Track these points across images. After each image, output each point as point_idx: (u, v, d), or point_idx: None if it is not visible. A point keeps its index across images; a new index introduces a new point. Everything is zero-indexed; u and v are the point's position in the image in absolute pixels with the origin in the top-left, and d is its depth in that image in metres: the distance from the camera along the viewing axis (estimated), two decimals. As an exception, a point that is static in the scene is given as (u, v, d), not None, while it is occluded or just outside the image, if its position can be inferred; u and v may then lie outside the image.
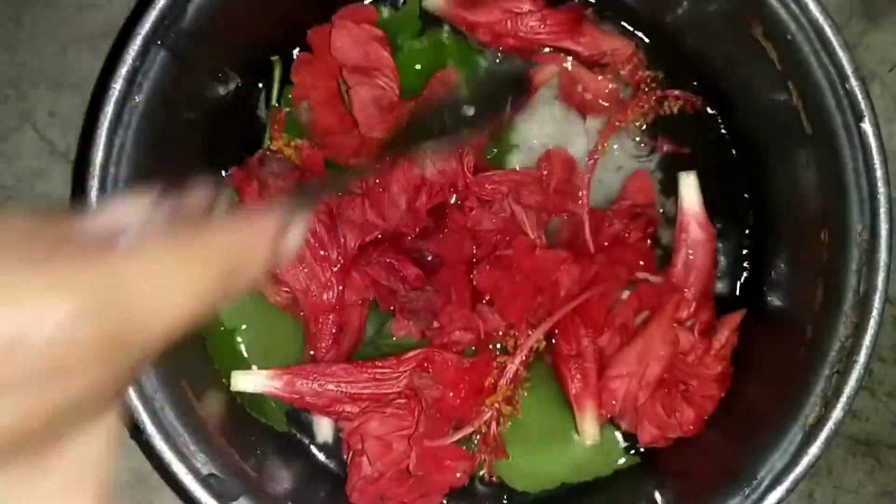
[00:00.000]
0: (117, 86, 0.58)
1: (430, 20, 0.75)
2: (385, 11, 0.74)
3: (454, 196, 0.70)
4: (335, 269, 0.69)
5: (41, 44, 0.82)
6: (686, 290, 0.71)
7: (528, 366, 0.70)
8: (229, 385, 0.67)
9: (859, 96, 0.60)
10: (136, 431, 0.58)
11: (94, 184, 0.58)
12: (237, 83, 0.72)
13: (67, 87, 0.81)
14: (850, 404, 0.58)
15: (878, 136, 0.59)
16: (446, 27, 0.75)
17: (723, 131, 0.77)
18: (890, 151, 0.59)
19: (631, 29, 0.76)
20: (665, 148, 0.76)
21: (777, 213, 0.71)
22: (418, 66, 0.72)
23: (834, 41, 0.60)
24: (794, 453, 0.59)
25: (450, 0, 0.73)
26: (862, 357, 0.58)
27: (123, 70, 0.58)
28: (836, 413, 0.58)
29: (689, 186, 0.72)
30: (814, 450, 0.58)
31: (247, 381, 0.67)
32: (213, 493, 0.58)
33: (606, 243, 0.72)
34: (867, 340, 0.58)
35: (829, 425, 0.58)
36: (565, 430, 0.71)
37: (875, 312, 0.58)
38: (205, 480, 0.58)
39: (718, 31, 0.70)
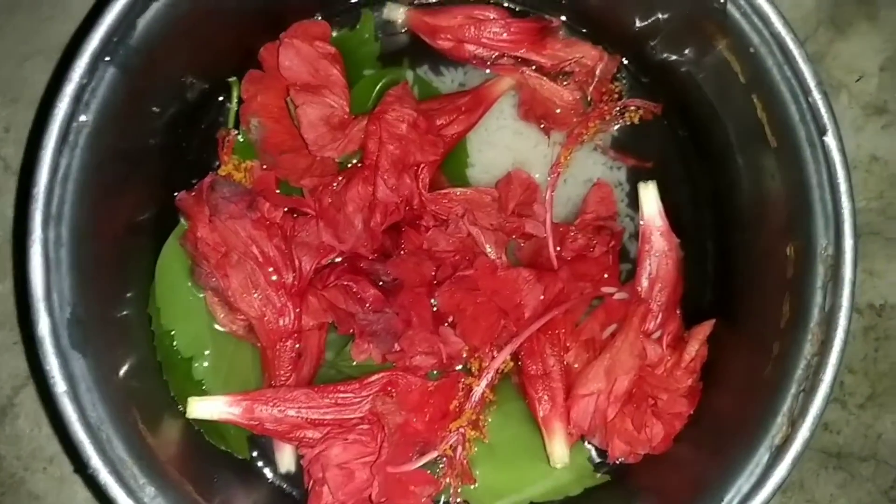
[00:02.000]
0: (63, 104, 0.56)
1: (388, 48, 0.74)
2: (339, 31, 0.74)
3: (409, 214, 0.69)
4: (291, 294, 0.67)
5: (-2, 58, 0.79)
6: (652, 301, 0.70)
7: (494, 387, 0.69)
8: (185, 412, 0.64)
9: (822, 110, 0.59)
10: (81, 466, 0.55)
11: (37, 206, 0.56)
12: (193, 103, 0.71)
13: (24, 103, 0.79)
14: (816, 424, 0.57)
15: (842, 151, 0.59)
16: (409, 72, 0.74)
17: (689, 144, 0.76)
18: (859, 161, 0.59)
19: (598, 44, 0.75)
20: (630, 161, 0.75)
21: (744, 227, 0.71)
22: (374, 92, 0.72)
23: (796, 54, 0.60)
24: (760, 475, 0.58)
25: (412, 11, 0.72)
26: (828, 375, 0.57)
27: (70, 88, 0.56)
28: (803, 433, 0.57)
29: (648, 196, 0.71)
30: (781, 471, 0.57)
31: (204, 408, 0.65)
32: (163, 528, 0.55)
33: (570, 258, 0.71)
34: (833, 358, 0.57)
35: (796, 446, 0.57)
36: (534, 450, 0.70)
37: (840, 330, 0.57)
38: (154, 517, 0.55)
39: (684, 45, 0.69)
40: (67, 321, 0.56)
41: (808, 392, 0.58)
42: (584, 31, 0.75)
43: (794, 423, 0.58)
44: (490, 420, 0.70)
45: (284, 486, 0.72)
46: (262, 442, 0.71)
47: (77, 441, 0.55)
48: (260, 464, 0.72)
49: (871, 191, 0.82)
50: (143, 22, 0.58)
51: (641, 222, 0.72)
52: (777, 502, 0.79)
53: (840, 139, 0.59)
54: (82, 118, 0.57)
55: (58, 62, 0.76)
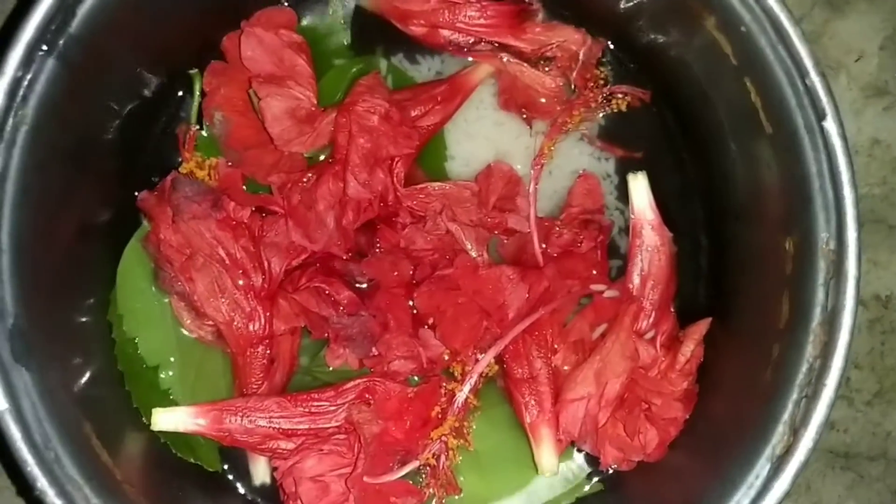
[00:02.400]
0: (-3, 98, 0.53)
1: (360, 37, 0.71)
2: (308, 18, 0.70)
3: (384, 211, 0.66)
4: (260, 297, 0.64)
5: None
6: (644, 299, 0.67)
7: (478, 392, 0.66)
8: (150, 425, 0.62)
9: (821, 93, 0.55)
10: (25, 488, 0.52)
11: (-30, 213, 0.52)
12: (151, 97, 0.67)
13: None
14: (820, 432, 0.53)
15: (843, 136, 0.55)
16: (382, 60, 0.71)
17: (679, 131, 0.73)
18: (859, 146, 0.56)
19: (581, 28, 0.72)
20: (618, 152, 0.72)
21: (739, 219, 0.67)
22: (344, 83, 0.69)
23: (792, 33, 0.56)
24: (760, 488, 0.54)
25: (384, -2, 0.69)
26: (832, 380, 0.53)
27: (3, 81, 0.53)
28: (806, 442, 0.54)
29: (638, 188, 0.68)
30: (783, 483, 0.54)
31: (169, 419, 0.62)
32: (116, 556, 0.52)
33: (556, 255, 0.68)
34: (837, 361, 0.54)
35: (799, 456, 0.54)
36: (521, 457, 0.67)
37: (845, 330, 0.54)
38: (106, 543, 0.52)
39: (670, 25, 0.66)
40: (9, 333, 0.53)
41: (811, 398, 0.54)
42: (565, 13, 0.72)
43: (796, 432, 0.54)
44: (474, 427, 0.67)
45: (258, 500, 0.68)
46: (233, 453, 0.68)
47: (21, 461, 0.52)
48: (231, 477, 0.68)
49: (873, 176, 0.79)
50: (83, 8, 0.54)
51: (632, 216, 0.69)
52: None
53: (841, 124, 0.55)
54: (20, 113, 0.53)
55: None
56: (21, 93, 0.53)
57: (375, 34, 0.72)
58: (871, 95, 0.79)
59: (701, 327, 0.66)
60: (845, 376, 0.69)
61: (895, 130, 0.79)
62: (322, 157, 0.68)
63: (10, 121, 0.53)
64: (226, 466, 0.68)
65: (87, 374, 0.60)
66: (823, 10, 0.80)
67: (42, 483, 0.52)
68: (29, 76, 0.53)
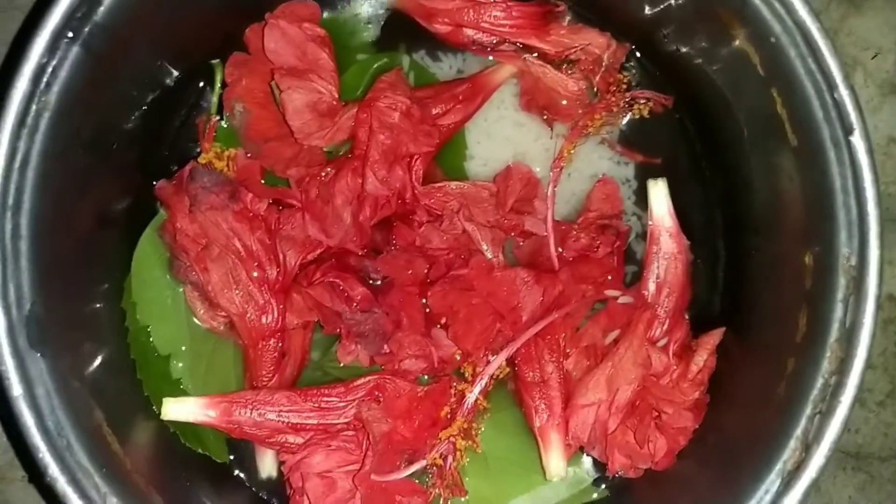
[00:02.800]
0: (21, 84, 0.52)
1: (384, 33, 0.71)
2: (331, 13, 0.70)
3: (401, 208, 0.65)
4: (274, 290, 0.64)
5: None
6: (658, 306, 0.67)
7: (488, 394, 0.66)
8: (160, 414, 0.62)
9: (849, 107, 0.55)
10: (37, 474, 0.52)
11: (-9, 196, 0.52)
12: (172, 87, 0.67)
13: None
14: (832, 450, 0.53)
15: (870, 153, 0.54)
16: (405, 57, 0.71)
17: (700, 140, 0.72)
18: (876, 143, 0.56)
19: (606, 31, 0.71)
20: (638, 157, 0.72)
21: (757, 231, 0.67)
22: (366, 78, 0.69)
23: (822, 45, 0.56)
24: (770, 503, 0.53)
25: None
26: (847, 398, 0.53)
27: (28, 67, 0.53)
28: (818, 459, 0.53)
29: (658, 194, 0.68)
30: (793, 499, 0.53)
31: (179, 409, 0.62)
32: (124, 543, 0.52)
33: (572, 259, 0.68)
34: (853, 379, 0.53)
35: (810, 472, 0.53)
36: (528, 462, 0.67)
37: (863, 347, 0.53)
38: (114, 529, 0.52)
39: (698, 34, 0.65)
40: (25, 319, 0.53)
41: (825, 414, 0.54)
42: (590, 17, 0.71)
43: (808, 448, 0.54)
44: (483, 429, 0.67)
45: (263, 494, 0.68)
46: (241, 446, 0.68)
47: (33, 448, 0.52)
48: (237, 470, 0.69)
49: (889, 175, 0.78)
50: (108, -3, 0.54)
51: (650, 222, 0.68)
52: None
53: (868, 140, 0.55)
54: (43, 99, 0.53)
55: (13, 41, 0.71)
56: (45, 79, 0.53)
57: (399, 31, 0.72)
58: (888, 93, 0.79)
59: (714, 337, 0.65)
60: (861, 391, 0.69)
61: (912, 128, 0.79)
62: (342, 152, 0.68)
63: (34, 107, 0.53)
64: (232, 458, 0.68)
65: (100, 362, 0.60)
66: (840, 7, 0.79)
67: (53, 470, 0.52)
68: (53, 63, 0.53)
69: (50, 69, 0.53)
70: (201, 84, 0.70)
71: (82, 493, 0.52)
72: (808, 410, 0.55)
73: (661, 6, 0.66)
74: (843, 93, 0.55)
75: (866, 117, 0.54)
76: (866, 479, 0.76)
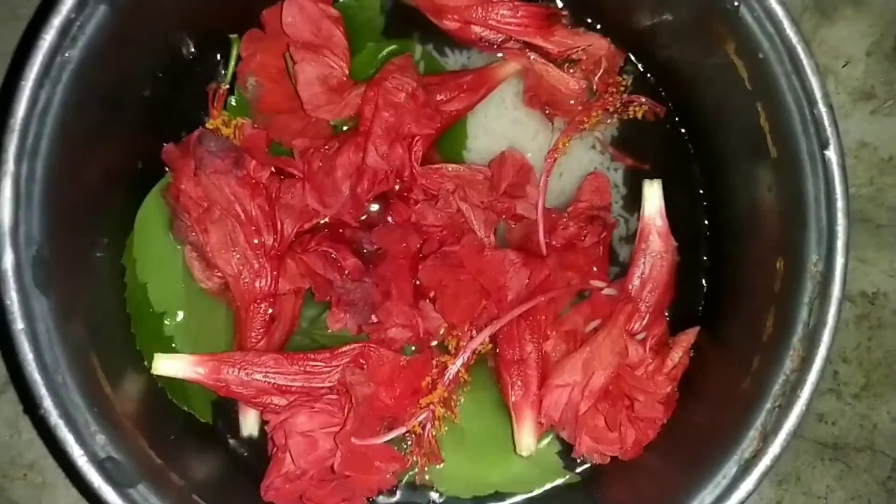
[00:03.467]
0: (48, 37, 0.54)
1: (397, 23, 0.73)
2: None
3: (398, 185, 0.67)
4: (270, 256, 0.66)
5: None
6: (640, 301, 0.69)
7: (470, 368, 0.68)
8: (150, 368, 0.63)
9: (826, 122, 0.58)
10: (31, 406, 0.54)
11: (13, 138, 0.54)
12: (190, 53, 0.69)
13: None
14: (789, 440, 0.56)
15: (842, 166, 0.58)
16: (417, 46, 0.73)
17: (689, 149, 0.75)
18: (847, 148, 0.59)
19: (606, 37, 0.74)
20: (628, 161, 0.74)
21: (737, 237, 0.69)
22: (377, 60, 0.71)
23: (806, 64, 0.59)
24: (726, 487, 0.57)
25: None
26: (806, 393, 0.56)
27: (57, 21, 0.55)
28: (774, 448, 0.56)
29: (652, 195, 0.70)
30: (747, 485, 0.56)
31: (169, 365, 0.64)
32: (109, 478, 0.54)
33: (560, 246, 0.70)
34: (813, 375, 0.56)
35: (766, 461, 0.56)
36: (502, 439, 0.69)
37: (823, 347, 0.56)
38: (101, 464, 0.54)
39: (691, 44, 0.68)
40: (33, 259, 0.55)
41: (784, 408, 0.57)
42: (590, 22, 0.74)
43: (765, 438, 0.57)
44: (461, 405, 0.69)
45: (244, 453, 0.70)
46: (225, 409, 0.70)
47: (30, 380, 0.54)
48: (221, 429, 0.70)
49: (860, 178, 0.82)
50: (135, -41, 0.56)
51: (641, 220, 0.71)
52: (773, 495, 0.79)
53: (842, 155, 0.58)
54: (67, 54, 0.55)
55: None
56: (72, 33, 0.55)
57: (408, 25, 0.73)
58: (858, 99, 0.82)
59: (690, 336, 0.68)
60: (833, 370, 0.74)
61: (881, 133, 0.82)
62: (346, 128, 0.70)
63: (58, 59, 0.55)
64: (218, 420, 0.70)
65: (98, 311, 0.62)
66: (812, 17, 0.82)
67: (48, 404, 0.54)
68: (80, 19, 0.55)
69: (77, 24, 0.55)
70: (217, 57, 0.72)
71: (73, 427, 0.54)
72: (768, 404, 0.57)
73: (659, 18, 0.69)
74: (822, 109, 0.58)
75: (838, 123, 0.57)
76: (843, 468, 0.79)
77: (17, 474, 0.76)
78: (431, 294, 0.67)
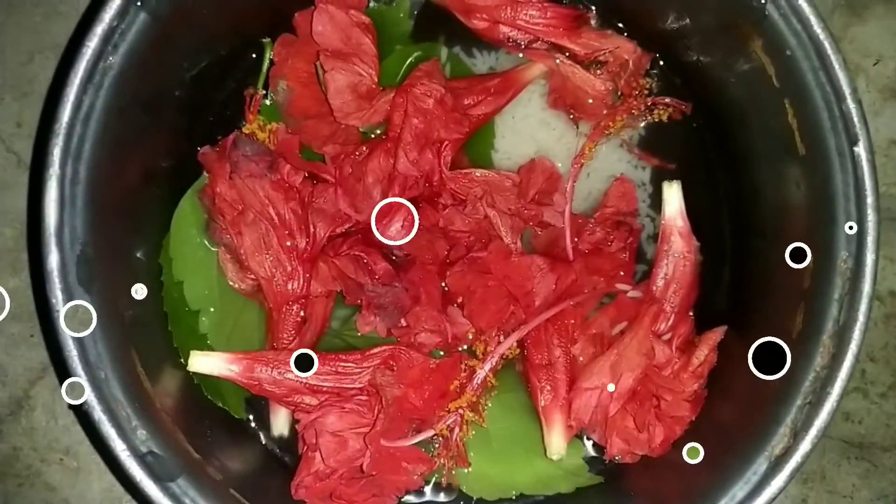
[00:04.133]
0: (92, 44, 0.57)
1: (424, 26, 0.74)
2: (375, 4, 0.73)
3: (428, 191, 0.68)
4: (302, 259, 0.67)
5: (6, 53, 0.79)
6: (665, 302, 0.69)
7: (497, 373, 0.69)
8: (186, 365, 0.65)
9: (855, 119, 0.58)
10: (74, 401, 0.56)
11: (58, 142, 0.56)
12: (223, 60, 0.71)
13: (34, 97, 0.79)
14: (819, 437, 0.56)
15: (872, 162, 0.57)
16: (443, 49, 0.74)
17: (714, 147, 0.75)
18: (877, 146, 0.59)
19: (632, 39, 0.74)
20: (654, 161, 0.74)
21: (763, 235, 0.69)
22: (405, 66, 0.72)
23: (834, 60, 0.59)
24: (756, 483, 0.57)
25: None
26: (836, 389, 0.56)
27: (100, 28, 0.57)
28: (805, 445, 0.56)
29: (672, 196, 0.70)
30: (778, 482, 0.56)
31: (204, 362, 0.65)
32: (151, 472, 0.56)
33: (586, 251, 0.70)
34: (843, 372, 0.56)
35: (796, 457, 0.56)
36: (530, 442, 0.69)
37: (853, 344, 0.56)
38: (142, 458, 0.55)
39: (718, 44, 0.68)
40: (77, 258, 0.57)
41: (814, 405, 0.57)
42: (618, 24, 0.75)
43: (796, 435, 0.57)
44: (489, 408, 0.69)
45: (276, 450, 0.72)
46: (258, 405, 0.71)
47: (74, 373, 0.55)
48: (254, 426, 0.72)
49: (890, 176, 0.81)
50: (177, -32, 0.58)
51: (662, 222, 0.71)
52: (798, 493, 0.78)
53: (871, 151, 0.58)
54: (110, 59, 0.57)
55: (87, 7, 0.75)
56: (114, 41, 0.57)
57: (437, 25, 0.74)
58: (888, 97, 0.81)
59: (716, 334, 0.68)
60: (861, 368, 0.74)
61: (912, 131, 0.81)
62: (375, 134, 0.71)
63: (101, 65, 0.57)
64: (251, 416, 0.71)
65: (136, 310, 0.64)
66: (843, 15, 0.82)
67: (91, 399, 0.56)
68: (122, 26, 0.57)
69: (119, 32, 0.57)
70: (252, 57, 0.73)
71: (115, 422, 0.56)
72: (798, 400, 0.57)
73: (686, 18, 0.69)
74: (851, 105, 0.58)
75: (868, 121, 0.57)
76: (869, 467, 0.79)
77: (53, 458, 0.78)
78: (459, 299, 0.68)
